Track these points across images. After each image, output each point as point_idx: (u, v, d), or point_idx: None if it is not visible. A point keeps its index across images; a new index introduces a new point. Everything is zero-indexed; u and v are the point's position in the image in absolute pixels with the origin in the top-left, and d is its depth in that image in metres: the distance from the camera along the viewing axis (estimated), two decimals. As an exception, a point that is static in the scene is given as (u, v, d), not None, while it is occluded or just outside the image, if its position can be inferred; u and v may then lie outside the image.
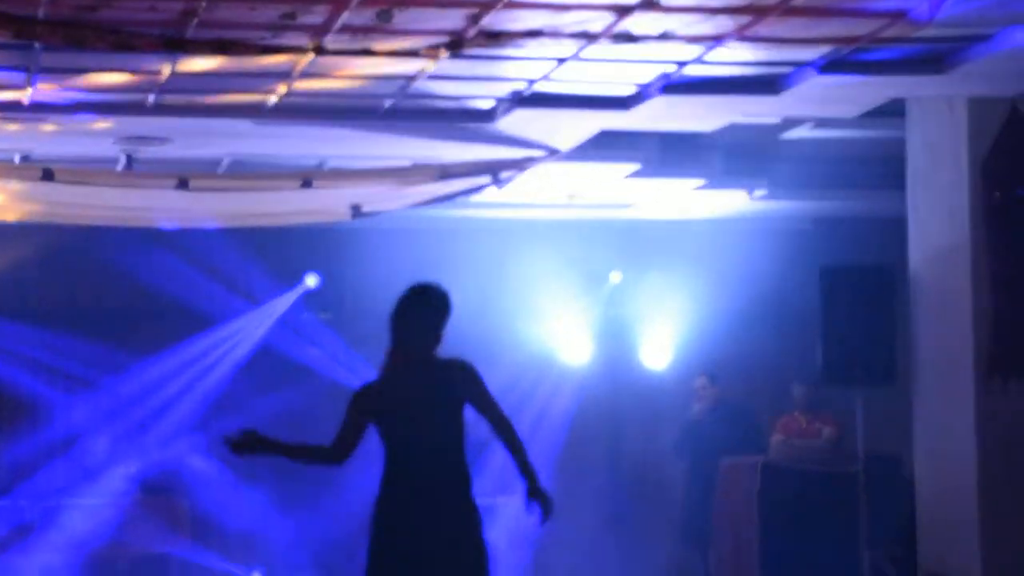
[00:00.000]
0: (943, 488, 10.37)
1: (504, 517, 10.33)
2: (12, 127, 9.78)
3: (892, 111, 9.96)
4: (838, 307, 10.75)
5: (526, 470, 6.30)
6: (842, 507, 10.47)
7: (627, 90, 9.25)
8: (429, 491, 6.22)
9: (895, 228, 10.88)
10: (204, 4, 6.94)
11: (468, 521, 6.31)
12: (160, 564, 12.02)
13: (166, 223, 11.20)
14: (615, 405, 13.79)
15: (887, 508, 11.16)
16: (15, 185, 9.98)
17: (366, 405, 6.41)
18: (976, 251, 9.68)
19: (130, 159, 10.49)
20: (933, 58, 8.60)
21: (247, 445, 6.07)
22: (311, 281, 13.00)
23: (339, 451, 6.31)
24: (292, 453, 6.22)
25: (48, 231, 12.06)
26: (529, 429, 12.03)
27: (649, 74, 8.85)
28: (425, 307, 6.64)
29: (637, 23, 7.36)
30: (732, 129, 10.46)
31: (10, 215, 10.69)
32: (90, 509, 11.91)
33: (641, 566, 13.04)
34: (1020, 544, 9.75)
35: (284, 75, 8.70)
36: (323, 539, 12.35)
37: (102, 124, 9.72)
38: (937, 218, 10.15)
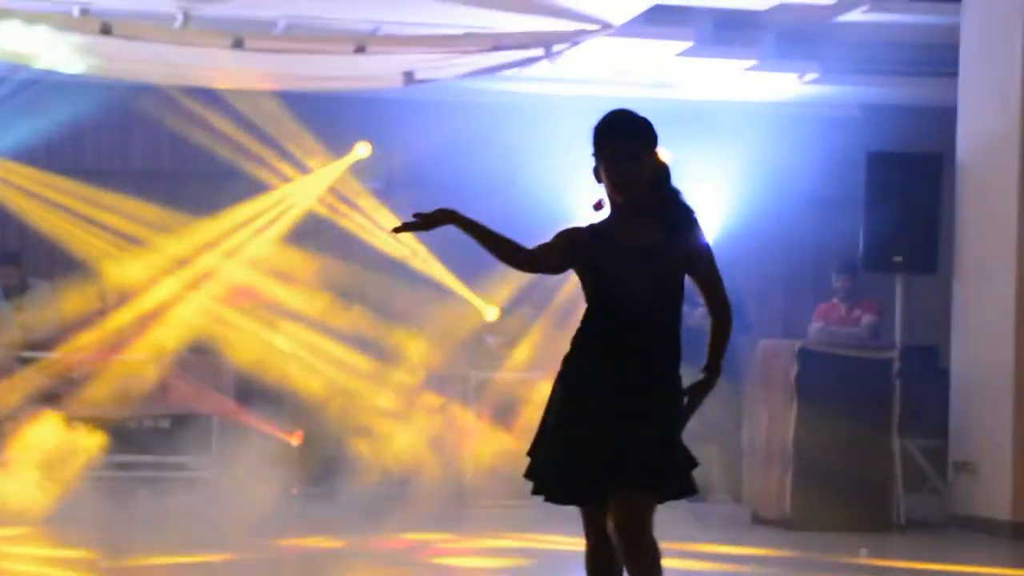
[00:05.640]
0: (977, 381, 10.44)
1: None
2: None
3: (948, -4, 9.95)
4: (883, 194, 10.75)
5: (720, 348, 5.59)
6: (876, 393, 10.51)
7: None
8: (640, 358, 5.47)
9: (945, 117, 10.86)
10: None
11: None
12: (202, 423, 12.10)
13: (219, 83, 11.29)
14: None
15: (921, 397, 11.23)
16: (74, 38, 10.09)
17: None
18: (1026, 140, 9.70)
19: (187, 17, 10.58)
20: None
21: (440, 220, 5.40)
22: (362, 150, 12.93)
23: (535, 262, 5.52)
24: (488, 239, 5.44)
25: (104, 87, 12.17)
26: (563, 302, 12.10)
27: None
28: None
29: None
30: (786, 9, 10.45)
31: (68, 67, 10.79)
32: (135, 367, 12.00)
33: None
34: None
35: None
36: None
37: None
38: (988, 106, 10.13)
